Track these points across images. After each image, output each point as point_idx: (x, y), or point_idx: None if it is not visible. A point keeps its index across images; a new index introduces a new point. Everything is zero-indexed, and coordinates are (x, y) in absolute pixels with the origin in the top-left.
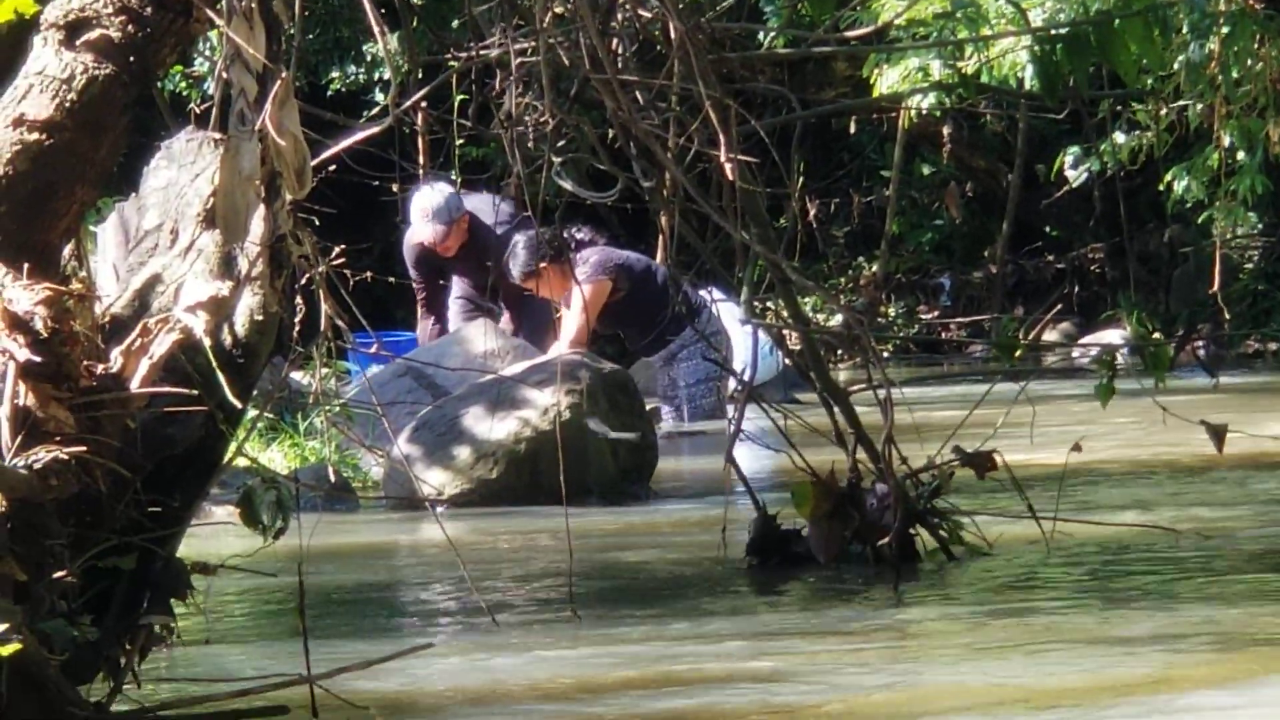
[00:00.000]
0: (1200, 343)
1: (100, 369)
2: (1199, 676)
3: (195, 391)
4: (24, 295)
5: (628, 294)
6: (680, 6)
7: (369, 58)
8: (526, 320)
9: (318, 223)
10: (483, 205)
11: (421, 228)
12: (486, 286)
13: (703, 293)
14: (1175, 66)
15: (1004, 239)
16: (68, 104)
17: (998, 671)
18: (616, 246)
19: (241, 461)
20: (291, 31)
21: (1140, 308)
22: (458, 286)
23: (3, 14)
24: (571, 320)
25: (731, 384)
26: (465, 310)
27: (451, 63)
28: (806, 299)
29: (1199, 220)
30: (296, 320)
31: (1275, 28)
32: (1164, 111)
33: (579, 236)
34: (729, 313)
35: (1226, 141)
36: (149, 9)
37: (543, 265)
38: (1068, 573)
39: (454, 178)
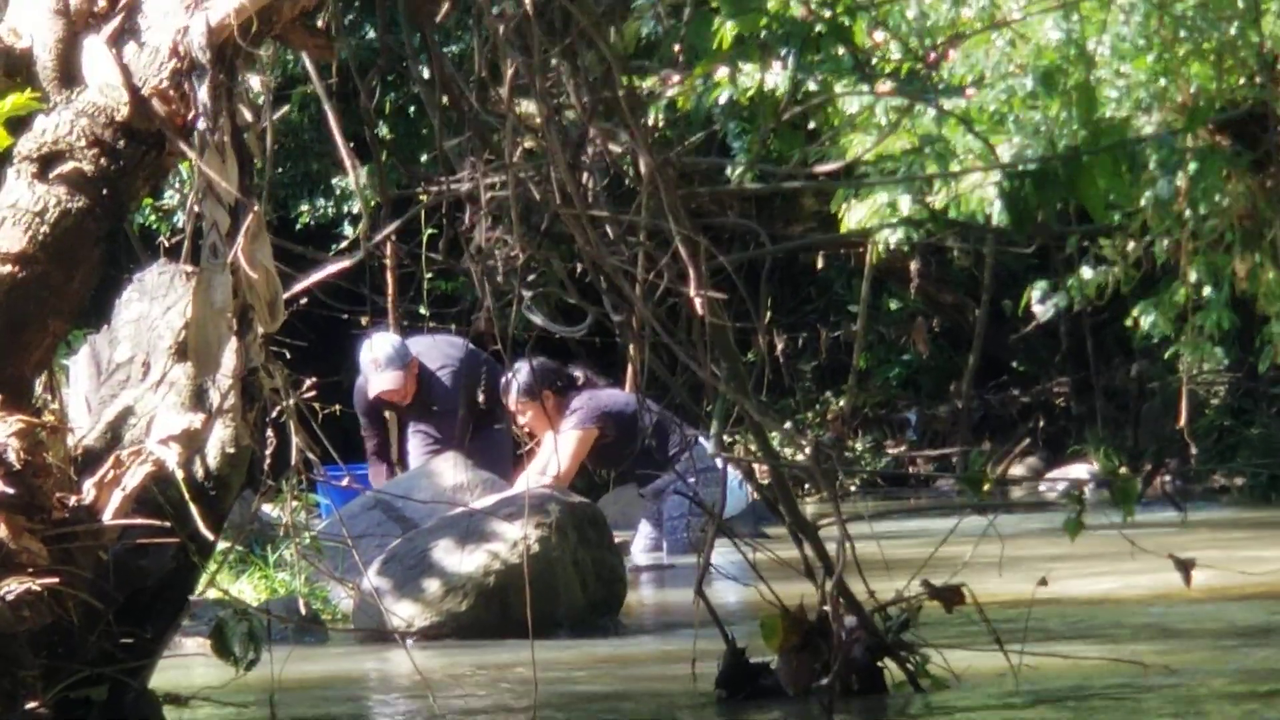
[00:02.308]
0: (1167, 477)
1: (73, 501)
2: None
3: (167, 523)
4: None
5: (614, 439)
6: (650, 142)
7: (338, 191)
8: (480, 460)
9: (288, 355)
10: (431, 347)
11: (377, 378)
12: (454, 428)
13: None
14: (1142, 202)
15: (970, 373)
16: (40, 237)
17: None
18: (605, 384)
19: (213, 593)
20: (262, 165)
21: (1107, 442)
22: (415, 422)
23: None
24: (556, 463)
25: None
26: (426, 444)
27: (422, 197)
28: (775, 432)
29: (1165, 355)
30: (268, 453)
31: (1243, 164)
32: (1131, 247)
33: (575, 375)
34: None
35: (1193, 277)
36: (121, 142)
37: (545, 392)
38: (1036, 706)
39: (423, 312)
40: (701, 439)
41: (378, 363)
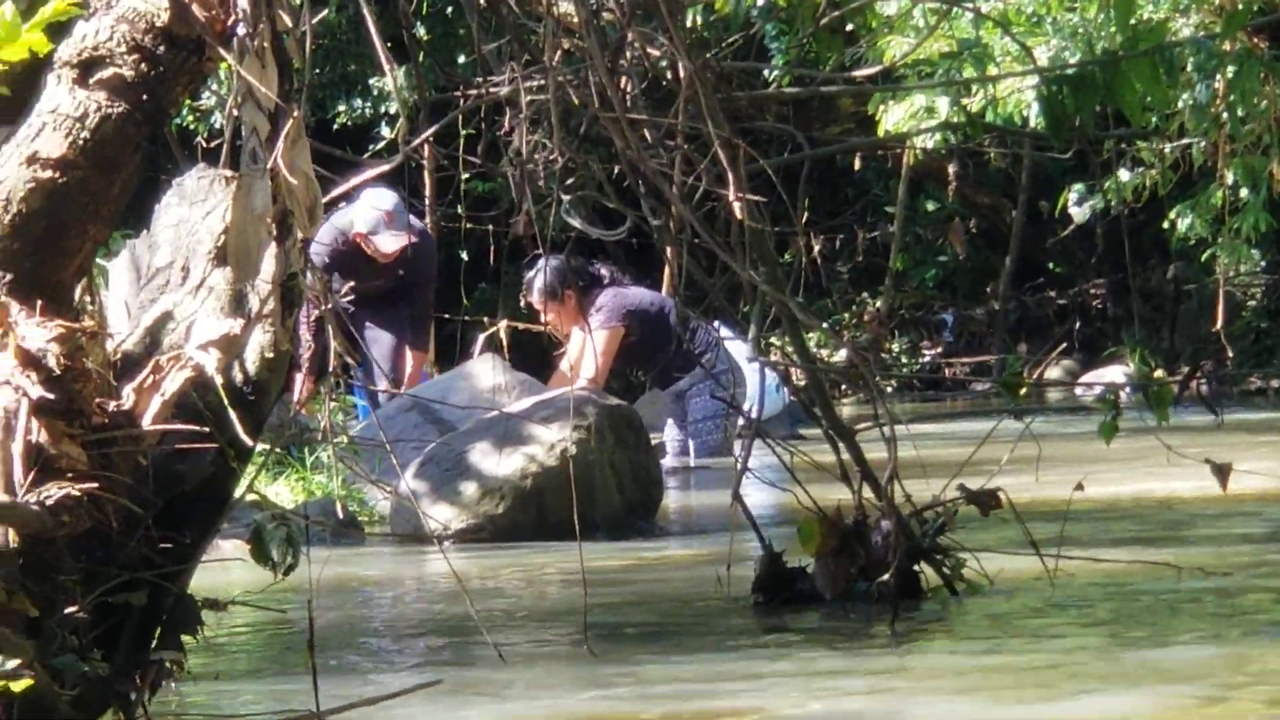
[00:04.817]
0: (1204, 380)
1: (112, 406)
2: (1201, 714)
3: (206, 428)
4: (37, 332)
5: (639, 338)
6: (688, 45)
7: (376, 92)
8: (390, 330)
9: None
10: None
11: (387, 236)
12: (428, 301)
13: (711, 329)
14: (1179, 105)
15: (1007, 275)
16: (81, 142)
17: (999, 709)
18: (632, 282)
19: (251, 497)
20: (301, 69)
21: (1143, 345)
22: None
23: (16, 52)
24: (587, 363)
25: (739, 420)
26: (389, 347)
27: (460, 99)
28: (812, 335)
29: (1202, 258)
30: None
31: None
32: (1168, 149)
33: (601, 273)
34: (736, 349)
35: (1230, 179)
36: (162, 47)
37: (568, 292)
38: (1071, 610)
39: (460, 213)
40: (734, 339)
41: (391, 217)
